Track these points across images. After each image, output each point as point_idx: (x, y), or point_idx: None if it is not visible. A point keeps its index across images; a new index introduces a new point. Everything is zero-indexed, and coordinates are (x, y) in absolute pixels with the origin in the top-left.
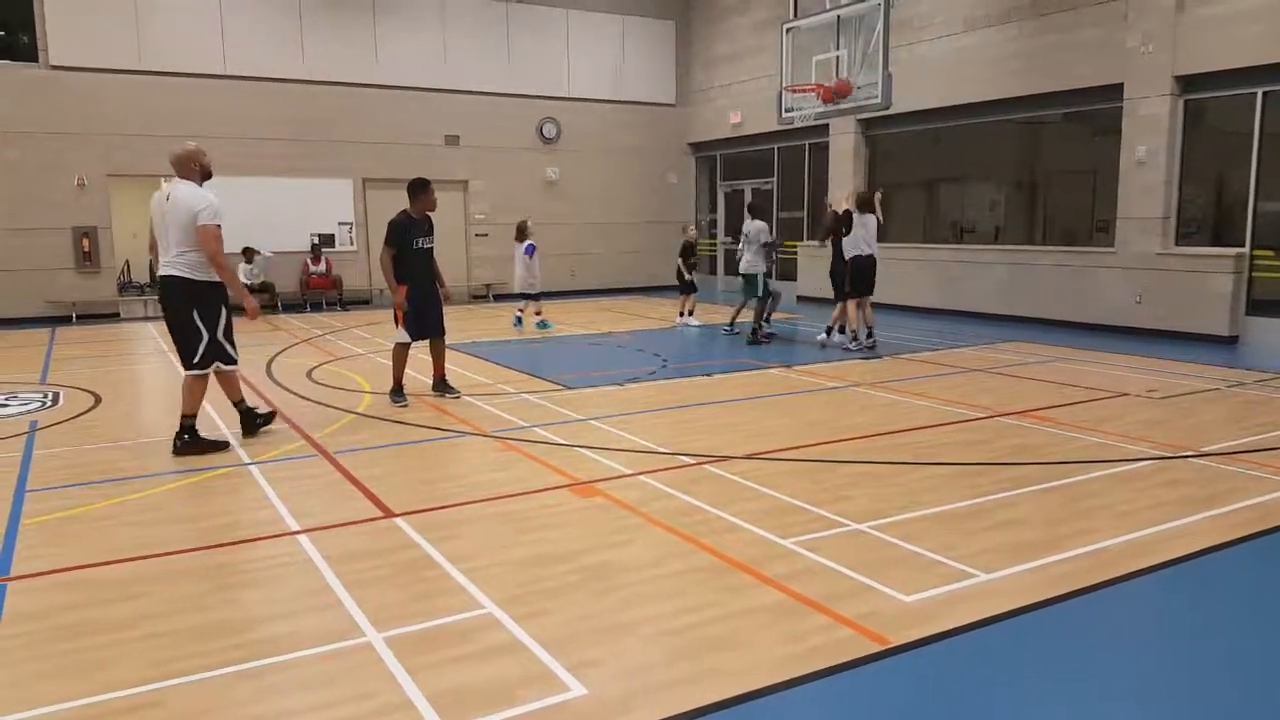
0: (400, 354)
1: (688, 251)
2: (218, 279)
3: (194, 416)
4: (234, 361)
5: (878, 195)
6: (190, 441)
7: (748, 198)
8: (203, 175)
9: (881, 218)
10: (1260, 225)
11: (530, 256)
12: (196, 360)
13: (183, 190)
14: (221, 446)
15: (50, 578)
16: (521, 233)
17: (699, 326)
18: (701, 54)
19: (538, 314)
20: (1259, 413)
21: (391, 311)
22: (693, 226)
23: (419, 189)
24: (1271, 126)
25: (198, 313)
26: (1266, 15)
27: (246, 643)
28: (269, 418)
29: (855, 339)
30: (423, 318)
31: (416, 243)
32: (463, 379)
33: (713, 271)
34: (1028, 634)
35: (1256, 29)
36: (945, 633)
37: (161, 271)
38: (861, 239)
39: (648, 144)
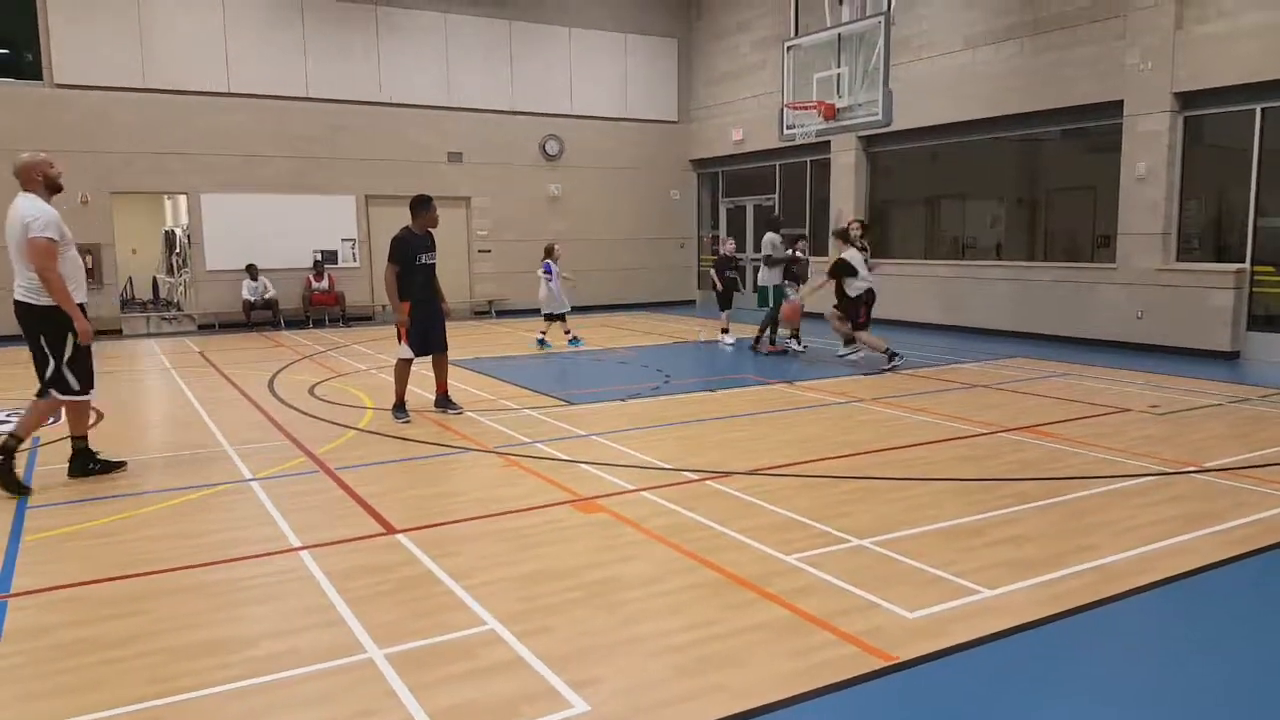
0: (403, 370)
1: (723, 266)
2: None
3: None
4: (75, 392)
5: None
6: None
7: (750, 214)
8: (49, 188)
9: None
10: (1260, 241)
11: (548, 275)
12: (40, 386)
13: (19, 204)
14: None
15: (50, 594)
16: (546, 253)
17: (732, 344)
18: (704, 71)
19: (566, 332)
20: (1261, 428)
21: (395, 328)
22: (730, 240)
23: (422, 206)
24: (1271, 143)
25: (45, 340)
26: (1265, 33)
27: (247, 660)
28: (112, 466)
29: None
30: (426, 334)
31: (419, 259)
32: (465, 394)
33: (714, 287)
34: (1031, 651)
35: (1255, 46)
36: (948, 649)
37: (13, 295)
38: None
39: (650, 160)
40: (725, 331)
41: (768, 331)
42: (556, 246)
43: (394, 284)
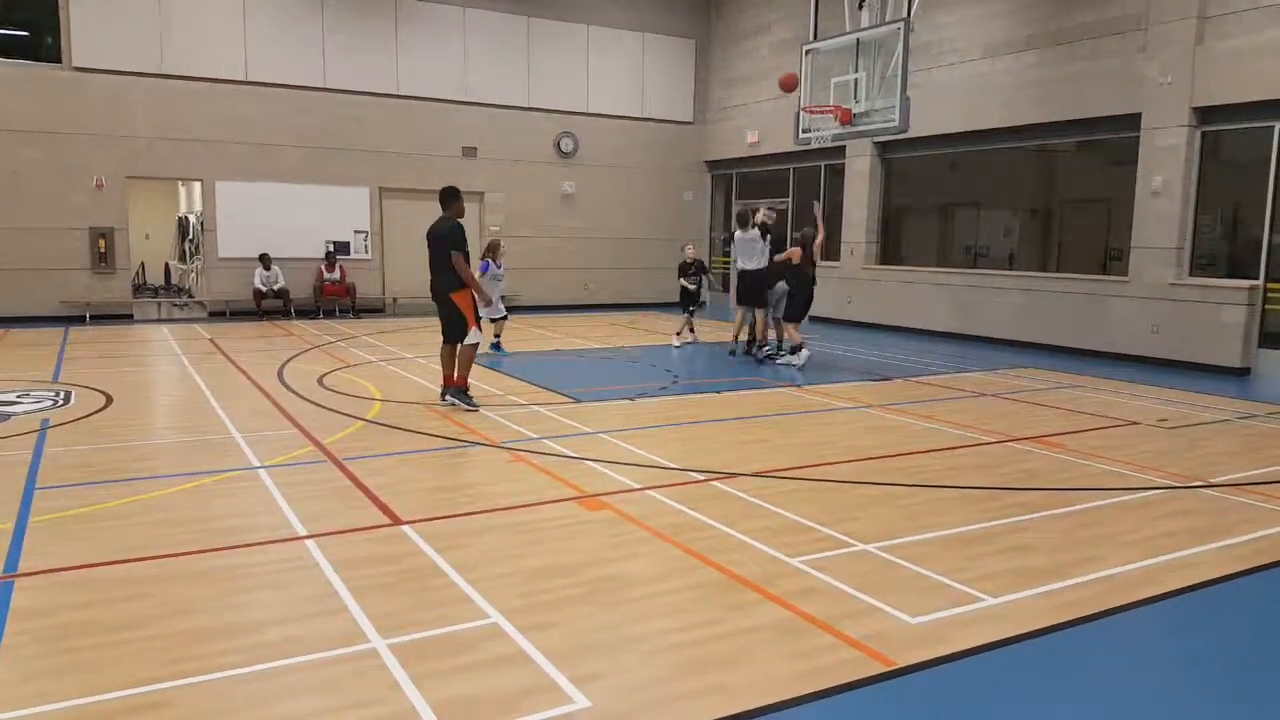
0: (474, 354)
1: (685, 270)
2: None
3: None
4: None
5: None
6: None
7: (761, 217)
8: None
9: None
10: (1275, 258)
11: (483, 274)
12: None
13: None
14: None
15: (57, 575)
16: (487, 251)
17: (679, 347)
18: (720, 73)
19: (496, 335)
20: (1270, 445)
21: (440, 317)
22: (691, 245)
23: (457, 196)
24: None
25: None
26: None
27: (251, 646)
28: None
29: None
30: (476, 318)
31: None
32: (473, 389)
33: (727, 289)
34: (1032, 659)
35: (1275, 63)
36: (950, 656)
37: None
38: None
39: (664, 161)
40: (684, 333)
41: (759, 335)
42: (501, 244)
43: (468, 269)
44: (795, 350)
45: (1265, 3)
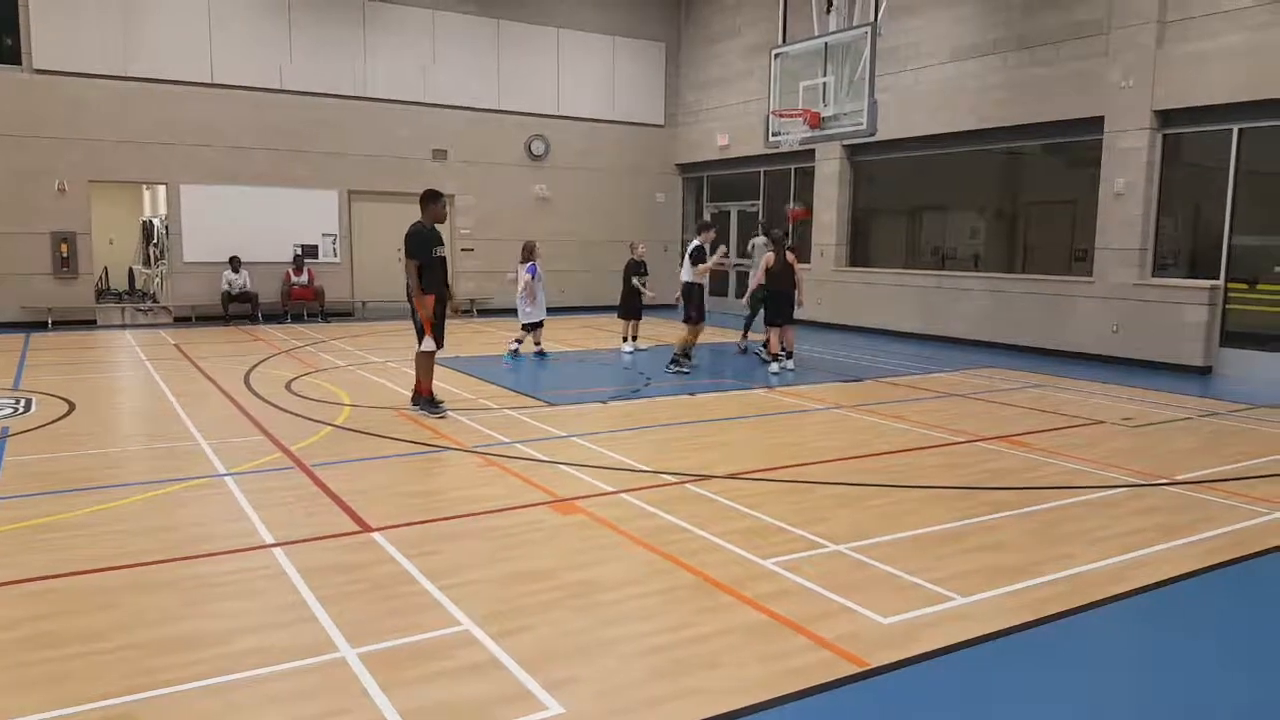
0: (429, 363)
1: (636, 270)
2: None
3: None
4: None
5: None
6: None
7: (734, 219)
8: None
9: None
10: (1234, 258)
11: (531, 277)
12: None
13: None
14: None
15: (19, 587)
16: (528, 253)
17: (632, 352)
18: (691, 76)
19: (536, 343)
20: (1231, 442)
21: (412, 322)
22: (642, 244)
23: (432, 199)
24: (1246, 163)
25: None
26: (1243, 54)
27: (219, 656)
28: None
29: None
30: (441, 328)
31: (434, 251)
32: (445, 393)
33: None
34: (1004, 657)
35: (1233, 67)
36: (923, 655)
37: None
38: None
39: (636, 163)
40: (625, 340)
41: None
42: (537, 244)
43: (416, 278)
44: (770, 354)
45: (1223, 7)
